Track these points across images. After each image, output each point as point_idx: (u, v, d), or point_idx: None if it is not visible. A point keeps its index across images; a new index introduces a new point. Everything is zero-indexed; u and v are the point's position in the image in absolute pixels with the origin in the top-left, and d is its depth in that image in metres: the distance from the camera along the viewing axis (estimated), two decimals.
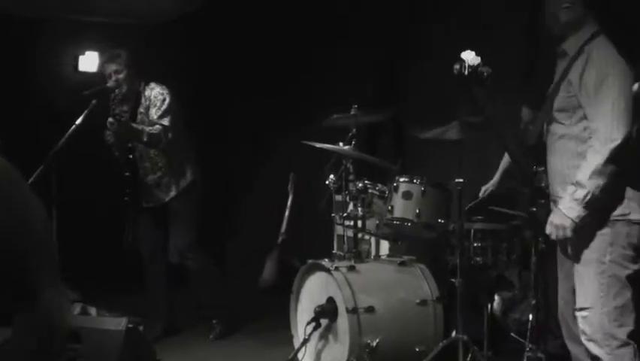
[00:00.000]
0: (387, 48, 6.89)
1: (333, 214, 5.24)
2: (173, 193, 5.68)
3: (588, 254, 3.39)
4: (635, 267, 3.36)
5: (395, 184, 4.77)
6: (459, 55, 5.81)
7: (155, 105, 5.51)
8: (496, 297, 4.94)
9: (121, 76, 5.52)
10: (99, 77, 5.75)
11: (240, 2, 7.62)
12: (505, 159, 4.69)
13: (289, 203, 7.10)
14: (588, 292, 3.38)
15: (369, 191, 4.96)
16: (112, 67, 5.55)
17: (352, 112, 4.98)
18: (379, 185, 4.99)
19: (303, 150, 5.07)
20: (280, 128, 7.47)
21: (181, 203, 5.70)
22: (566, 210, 3.35)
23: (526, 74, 5.30)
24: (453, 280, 4.45)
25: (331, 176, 5.15)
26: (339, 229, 5.49)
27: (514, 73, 5.27)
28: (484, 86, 3.18)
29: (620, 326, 3.33)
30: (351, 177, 5.05)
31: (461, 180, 4.46)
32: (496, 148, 5.11)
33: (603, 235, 3.36)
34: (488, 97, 3.18)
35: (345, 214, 4.99)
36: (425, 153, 6.04)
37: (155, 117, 5.47)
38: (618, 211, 3.32)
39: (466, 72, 3.09)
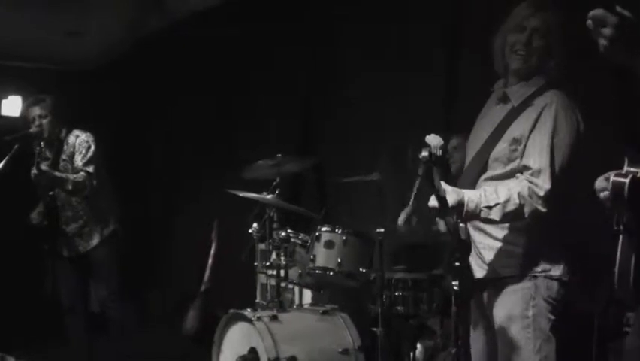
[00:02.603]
0: (308, 95, 6.95)
1: (256, 263, 5.23)
2: (94, 242, 5.60)
3: (510, 310, 3.32)
4: (554, 317, 3.32)
5: (317, 233, 4.77)
6: (375, 111, 5.94)
7: (80, 152, 5.46)
8: (419, 345, 4.91)
9: (45, 121, 5.45)
10: (22, 121, 5.65)
11: (165, 50, 7.64)
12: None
13: (212, 251, 7.05)
14: (512, 348, 3.32)
15: (292, 240, 4.96)
16: (36, 111, 5.48)
17: (275, 161, 5.00)
18: (302, 234, 4.99)
19: (226, 198, 5.03)
20: (203, 175, 7.41)
21: (103, 252, 5.63)
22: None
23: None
24: (375, 329, 4.44)
25: (255, 225, 5.13)
26: (262, 278, 5.45)
27: (435, 113, 5.45)
28: (442, 166, 3.11)
29: None
30: (274, 225, 5.04)
31: (382, 229, 4.47)
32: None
33: (524, 290, 3.30)
34: (442, 174, 3.10)
35: (268, 263, 4.97)
36: (349, 202, 6.07)
37: (80, 164, 5.43)
38: (539, 267, 3.29)
39: (433, 159, 3.00)
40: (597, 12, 2.26)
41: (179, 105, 7.80)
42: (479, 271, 3.42)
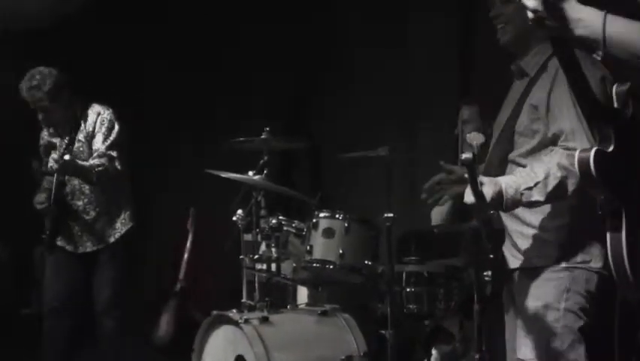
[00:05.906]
0: (302, 69, 6.87)
1: (241, 256, 4.93)
2: (110, 239, 5.17)
3: (542, 299, 3.23)
4: (587, 320, 3.23)
5: (314, 220, 4.58)
6: (380, 78, 5.87)
7: (102, 133, 5.07)
8: (434, 351, 4.75)
9: (56, 113, 4.99)
10: None
11: (131, 7, 7.22)
12: None
13: (189, 244, 6.81)
14: (537, 342, 3.23)
15: (285, 228, 4.76)
16: (42, 100, 4.97)
17: (263, 135, 4.74)
18: (296, 222, 4.80)
19: (205, 180, 4.82)
20: (179, 154, 7.23)
21: (116, 251, 5.19)
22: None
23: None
24: (383, 331, 4.36)
25: (239, 211, 4.84)
26: (249, 274, 5.20)
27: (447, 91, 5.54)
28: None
29: None
30: (262, 212, 4.87)
31: (391, 215, 4.31)
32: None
33: (559, 280, 3.22)
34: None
35: (256, 256, 4.74)
36: (349, 184, 5.98)
37: (103, 147, 5.01)
38: (579, 258, 3.21)
39: (477, 159, 2.95)
40: None
41: (149, 75, 7.55)
42: (513, 261, 3.36)
